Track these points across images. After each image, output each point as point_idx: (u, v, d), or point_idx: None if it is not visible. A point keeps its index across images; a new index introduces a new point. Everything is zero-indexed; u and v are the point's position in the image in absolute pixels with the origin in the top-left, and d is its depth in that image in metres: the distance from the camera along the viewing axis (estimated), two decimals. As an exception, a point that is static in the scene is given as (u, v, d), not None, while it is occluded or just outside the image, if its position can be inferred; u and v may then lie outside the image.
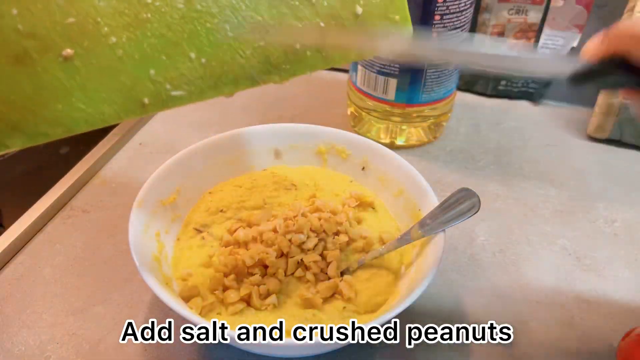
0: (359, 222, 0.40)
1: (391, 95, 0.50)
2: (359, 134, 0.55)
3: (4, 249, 0.41)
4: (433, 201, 0.38)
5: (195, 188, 0.41)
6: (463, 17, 0.46)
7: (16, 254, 0.42)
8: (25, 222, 0.43)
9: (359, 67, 0.51)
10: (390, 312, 0.30)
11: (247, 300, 0.34)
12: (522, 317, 0.38)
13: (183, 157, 0.40)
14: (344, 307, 0.34)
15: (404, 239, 0.36)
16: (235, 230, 0.38)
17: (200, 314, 0.33)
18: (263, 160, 0.44)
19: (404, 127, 0.52)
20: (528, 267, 0.42)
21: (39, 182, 0.47)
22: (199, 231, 0.39)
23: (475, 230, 0.45)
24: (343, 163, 0.44)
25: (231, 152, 0.43)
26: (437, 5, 0.44)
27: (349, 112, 0.56)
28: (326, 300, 0.35)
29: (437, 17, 0.45)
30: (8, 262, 0.41)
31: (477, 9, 0.57)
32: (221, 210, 0.40)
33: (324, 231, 0.37)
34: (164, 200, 0.39)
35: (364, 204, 0.41)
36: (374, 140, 0.53)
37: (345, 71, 0.65)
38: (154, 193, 0.38)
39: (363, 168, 0.43)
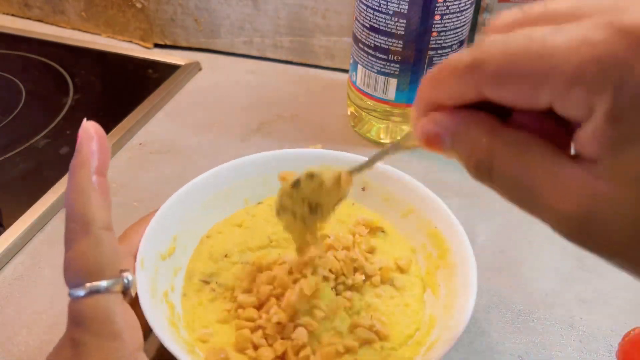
0: (371, 251, 0.38)
1: (391, 95, 0.50)
2: (359, 134, 0.55)
3: (4, 249, 0.41)
4: (448, 215, 0.36)
5: (192, 233, 0.38)
6: (463, 17, 0.46)
7: (16, 254, 0.42)
8: (25, 222, 0.43)
9: (359, 66, 0.51)
10: (443, 345, 0.29)
11: (281, 357, 0.32)
12: (522, 317, 0.38)
13: (174, 203, 0.36)
14: (382, 347, 0.32)
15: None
16: (247, 280, 0.35)
17: None
18: (256, 191, 0.41)
19: (404, 127, 0.52)
20: (528, 268, 0.42)
21: (39, 182, 0.47)
22: (206, 282, 0.35)
23: (475, 231, 0.45)
24: None
25: (221, 187, 0.39)
26: (437, 5, 0.44)
27: (349, 112, 0.56)
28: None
29: (437, 17, 0.45)
30: (8, 262, 0.41)
31: (477, 9, 0.57)
32: (225, 256, 0.37)
33: (343, 274, 0.35)
34: (163, 253, 0.35)
35: (373, 229, 0.39)
36: (374, 140, 0.53)
37: (345, 71, 0.65)
38: (153, 247, 0.34)
39: (363, 188, 0.41)
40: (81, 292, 0.25)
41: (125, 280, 0.27)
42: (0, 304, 0.38)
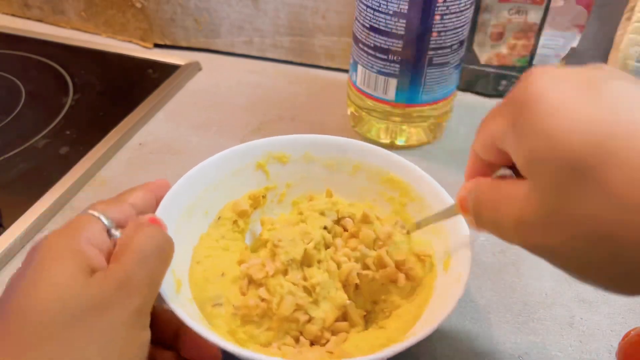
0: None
1: (391, 95, 0.50)
2: (359, 134, 0.55)
3: (3, 249, 0.41)
4: (398, 160, 0.39)
5: (180, 259, 0.35)
6: (463, 17, 0.46)
7: (16, 254, 0.42)
8: (25, 222, 0.43)
9: (359, 67, 0.51)
10: (463, 260, 0.32)
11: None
12: (522, 317, 0.38)
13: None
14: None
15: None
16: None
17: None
18: (217, 202, 0.39)
19: (404, 127, 0.52)
20: (528, 267, 0.42)
21: (39, 182, 0.47)
22: (219, 304, 0.34)
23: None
24: (284, 168, 0.41)
25: (185, 203, 0.36)
26: (437, 5, 0.44)
27: (349, 112, 0.56)
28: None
29: (437, 17, 0.45)
30: (8, 262, 0.41)
31: (477, 9, 0.57)
32: (222, 274, 0.35)
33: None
34: (175, 289, 0.33)
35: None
36: (374, 140, 0.53)
37: (345, 71, 0.65)
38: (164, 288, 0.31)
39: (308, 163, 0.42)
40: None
41: (117, 234, 0.28)
42: (0, 304, 0.38)
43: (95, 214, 0.28)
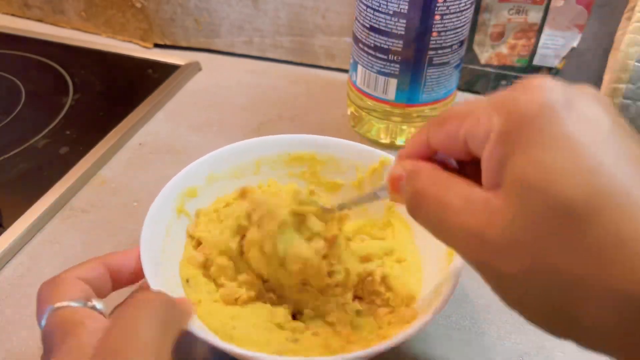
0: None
1: (391, 95, 0.50)
2: (359, 134, 0.55)
3: (3, 249, 0.41)
4: (289, 140, 0.41)
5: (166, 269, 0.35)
6: (463, 17, 0.46)
7: (16, 254, 0.42)
8: (25, 222, 0.43)
9: (359, 67, 0.51)
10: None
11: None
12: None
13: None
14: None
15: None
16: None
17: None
18: (171, 266, 0.36)
19: (404, 127, 0.52)
20: (528, 267, 0.42)
21: (39, 182, 0.47)
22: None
23: (476, 230, 0.45)
24: (199, 200, 0.40)
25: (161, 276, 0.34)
26: (437, 5, 0.44)
27: (349, 112, 0.56)
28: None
29: (437, 17, 0.45)
30: (8, 262, 0.41)
31: (477, 9, 0.57)
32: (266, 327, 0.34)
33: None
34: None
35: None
36: (374, 140, 0.53)
37: (345, 71, 0.65)
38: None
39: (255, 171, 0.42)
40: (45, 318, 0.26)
41: (96, 304, 0.27)
42: (0, 304, 0.38)
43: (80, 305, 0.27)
